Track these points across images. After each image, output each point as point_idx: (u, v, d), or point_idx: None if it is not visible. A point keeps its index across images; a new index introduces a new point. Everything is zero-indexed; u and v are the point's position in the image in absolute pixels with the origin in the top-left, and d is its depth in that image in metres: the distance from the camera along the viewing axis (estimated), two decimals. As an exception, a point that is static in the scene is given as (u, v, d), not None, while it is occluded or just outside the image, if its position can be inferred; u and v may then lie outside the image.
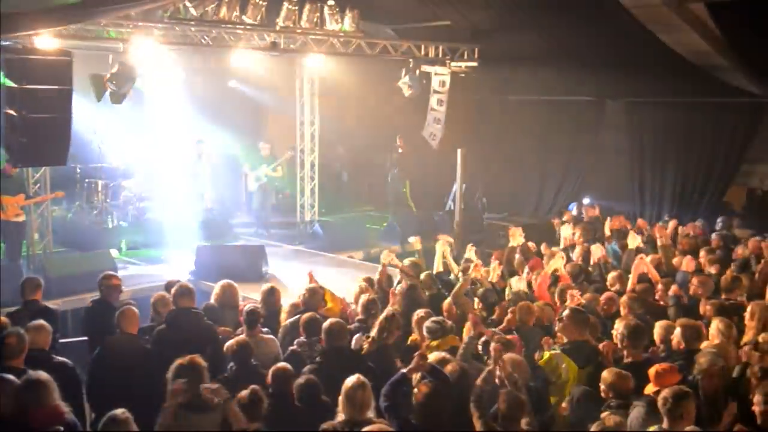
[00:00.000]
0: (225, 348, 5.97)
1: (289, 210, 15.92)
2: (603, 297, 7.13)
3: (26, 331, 5.56)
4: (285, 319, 6.93)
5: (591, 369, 5.60)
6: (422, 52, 13.37)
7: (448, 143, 13.92)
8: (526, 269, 8.32)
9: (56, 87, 8.59)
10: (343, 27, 12.10)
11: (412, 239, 9.36)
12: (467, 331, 5.98)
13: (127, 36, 10.12)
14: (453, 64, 13.46)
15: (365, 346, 6.00)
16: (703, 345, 5.65)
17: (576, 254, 9.02)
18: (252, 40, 11.52)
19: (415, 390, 4.92)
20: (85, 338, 7.20)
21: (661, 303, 7.19)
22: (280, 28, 11.42)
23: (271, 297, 7.19)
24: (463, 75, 13.50)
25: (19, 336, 5.42)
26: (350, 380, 4.65)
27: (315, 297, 7.02)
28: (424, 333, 6.08)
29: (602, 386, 4.98)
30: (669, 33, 11.24)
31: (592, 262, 8.83)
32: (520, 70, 13.93)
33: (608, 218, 11.14)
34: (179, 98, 14.16)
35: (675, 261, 8.59)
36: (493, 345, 5.08)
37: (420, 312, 6.43)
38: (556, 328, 6.18)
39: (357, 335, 6.31)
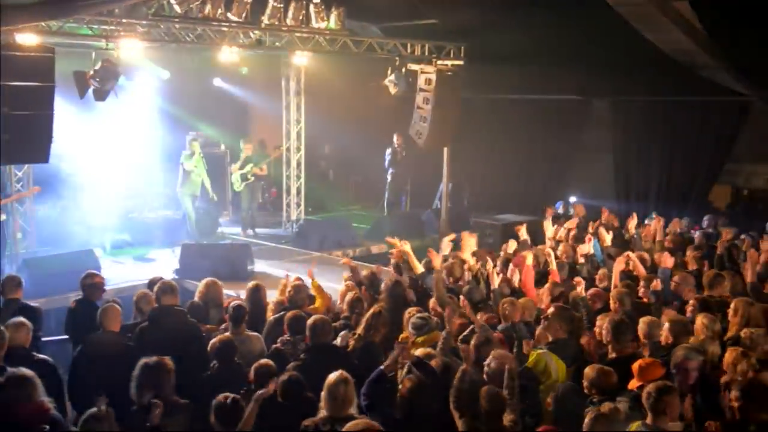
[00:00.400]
0: (209, 346, 5.92)
1: (276, 209, 15.89)
2: (589, 293, 7.13)
3: (6, 329, 5.49)
4: (270, 317, 6.89)
5: (577, 366, 5.58)
6: (408, 51, 13.34)
7: (434, 142, 13.91)
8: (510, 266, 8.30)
9: (38, 84, 8.51)
10: (329, 25, 12.08)
11: (392, 239, 9.23)
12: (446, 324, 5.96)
13: (110, 33, 10.05)
14: (439, 62, 13.45)
15: (351, 342, 5.99)
16: (691, 340, 5.66)
17: (560, 251, 9.02)
18: (237, 38, 11.48)
19: (400, 385, 4.90)
20: (67, 337, 7.13)
21: (645, 300, 7.20)
22: (265, 25, 11.38)
23: (257, 294, 7.16)
24: (449, 73, 13.47)
25: (-1, 333, 5.34)
26: (333, 376, 4.62)
27: (300, 294, 6.98)
28: (410, 329, 6.07)
29: (585, 383, 4.97)
30: (654, 31, 11.25)
31: (577, 260, 8.86)
32: (507, 69, 13.92)
33: (603, 213, 11.15)
34: (163, 96, 14.09)
35: (656, 257, 8.61)
36: (462, 346, 5.05)
37: (411, 310, 6.41)
38: (541, 326, 6.17)
39: (342, 332, 6.29)
